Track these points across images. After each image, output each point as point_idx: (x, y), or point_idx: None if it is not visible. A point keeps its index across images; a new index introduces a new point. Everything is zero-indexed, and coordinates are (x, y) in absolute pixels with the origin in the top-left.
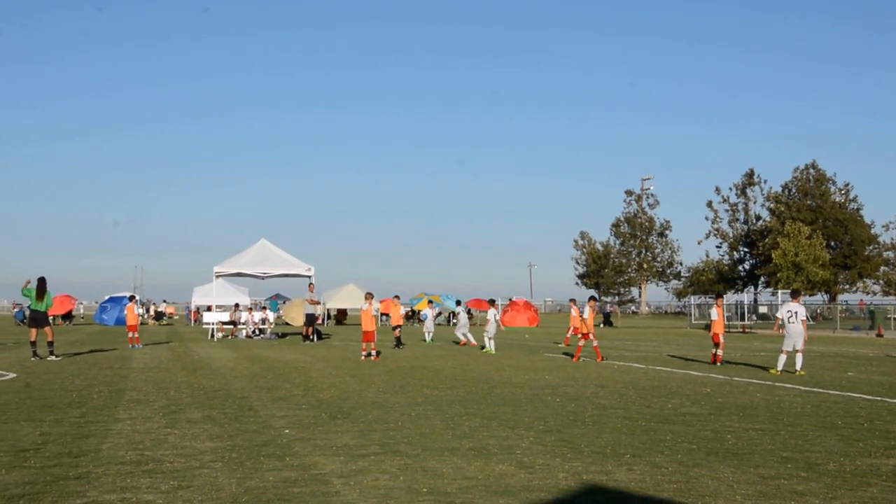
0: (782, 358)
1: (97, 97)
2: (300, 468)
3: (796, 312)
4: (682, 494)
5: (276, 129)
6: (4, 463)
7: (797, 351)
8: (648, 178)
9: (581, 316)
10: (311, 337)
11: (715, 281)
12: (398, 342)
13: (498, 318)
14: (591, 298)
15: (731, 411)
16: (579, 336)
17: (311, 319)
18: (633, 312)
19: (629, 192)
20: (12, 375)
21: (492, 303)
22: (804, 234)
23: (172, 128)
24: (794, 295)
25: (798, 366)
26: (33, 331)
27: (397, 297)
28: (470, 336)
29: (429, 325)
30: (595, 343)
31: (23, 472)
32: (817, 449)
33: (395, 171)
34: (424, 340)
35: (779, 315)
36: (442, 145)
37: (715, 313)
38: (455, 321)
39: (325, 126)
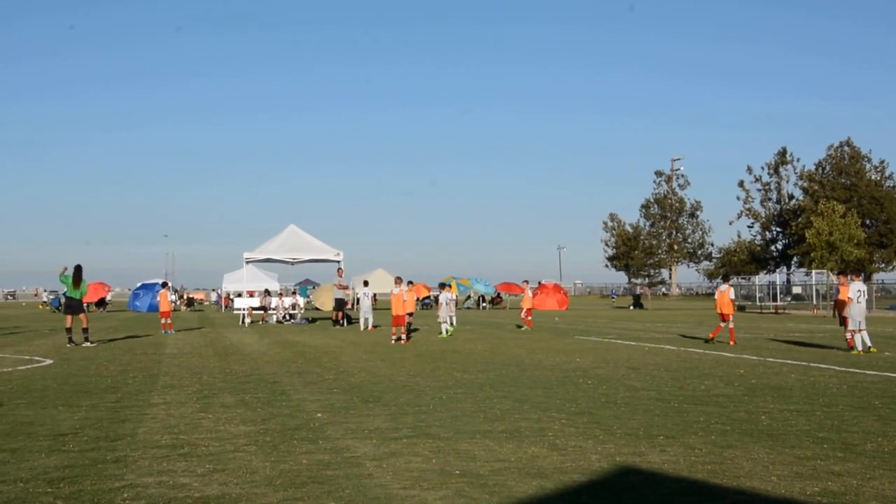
0: (858, 337)
1: (123, 90)
2: (333, 451)
3: (863, 292)
4: (717, 476)
5: (302, 116)
6: (44, 447)
7: (862, 330)
8: (678, 159)
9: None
10: (342, 322)
11: (747, 261)
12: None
13: (450, 301)
14: (726, 277)
15: (765, 392)
16: (720, 316)
17: (340, 304)
18: (664, 294)
19: (659, 173)
20: (49, 362)
21: (443, 287)
22: (838, 213)
23: (201, 116)
24: (859, 274)
25: (869, 343)
26: (69, 317)
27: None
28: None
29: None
30: (731, 325)
31: (62, 456)
32: (854, 429)
33: (421, 156)
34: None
35: (851, 296)
36: (465, 132)
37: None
38: (485, 305)
39: (353, 111)
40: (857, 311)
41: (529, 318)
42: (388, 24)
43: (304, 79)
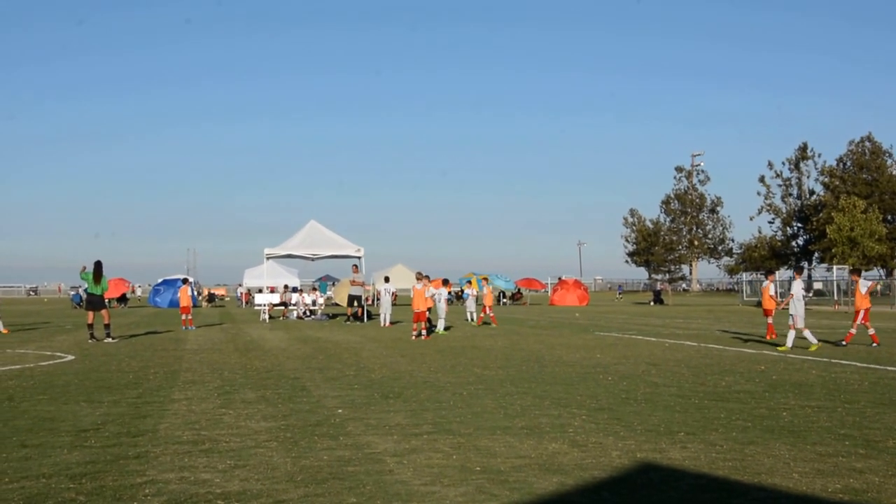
0: (807, 333)
1: (143, 89)
2: (354, 447)
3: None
4: (738, 472)
5: (322, 114)
6: (66, 443)
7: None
8: (699, 154)
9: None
10: (361, 318)
11: (767, 257)
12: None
13: (472, 296)
14: (770, 273)
15: (787, 388)
16: (766, 312)
17: (354, 300)
18: (684, 290)
19: (679, 169)
20: (71, 357)
21: (386, 280)
22: (859, 209)
23: (222, 115)
24: (801, 272)
25: (813, 340)
26: (90, 314)
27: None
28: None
29: (470, 305)
30: (770, 321)
31: (84, 452)
32: (876, 426)
33: (440, 151)
34: (467, 320)
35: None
36: (485, 128)
37: (864, 286)
38: (506, 301)
39: (370, 106)
40: (801, 309)
41: (492, 314)
42: (407, 23)
43: (322, 78)
